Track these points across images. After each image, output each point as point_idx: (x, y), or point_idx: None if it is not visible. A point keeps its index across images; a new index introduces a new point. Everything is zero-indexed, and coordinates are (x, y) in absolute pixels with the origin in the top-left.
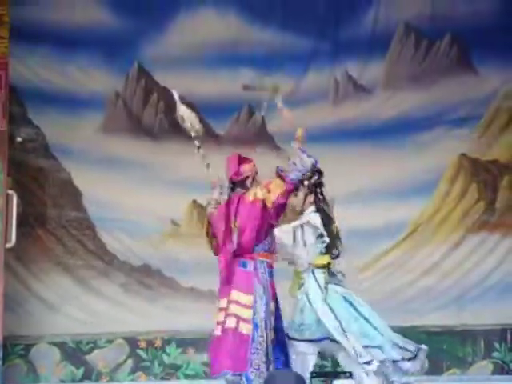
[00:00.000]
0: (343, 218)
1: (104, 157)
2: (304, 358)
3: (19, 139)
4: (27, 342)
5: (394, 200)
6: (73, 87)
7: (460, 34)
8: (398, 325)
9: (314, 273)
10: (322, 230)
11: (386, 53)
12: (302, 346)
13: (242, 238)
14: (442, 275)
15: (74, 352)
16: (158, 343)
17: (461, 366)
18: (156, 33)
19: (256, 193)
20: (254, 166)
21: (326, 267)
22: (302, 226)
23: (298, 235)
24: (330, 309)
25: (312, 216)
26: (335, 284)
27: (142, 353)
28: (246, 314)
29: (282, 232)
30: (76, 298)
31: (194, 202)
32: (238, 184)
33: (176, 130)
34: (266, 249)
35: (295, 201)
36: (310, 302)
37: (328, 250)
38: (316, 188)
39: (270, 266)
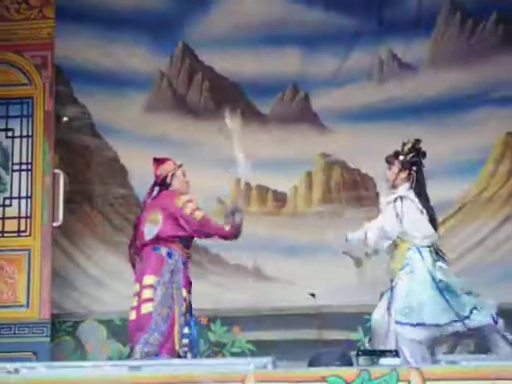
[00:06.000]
0: None
1: (149, 136)
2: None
3: (65, 118)
4: (75, 318)
5: (440, 178)
6: (118, 67)
7: (506, 13)
8: None
9: (420, 251)
10: (420, 206)
11: (430, 32)
12: (412, 332)
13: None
14: (488, 252)
15: (121, 329)
16: (204, 321)
17: None
18: (200, 12)
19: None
20: (173, 163)
21: (432, 246)
22: (401, 199)
23: (398, 210)
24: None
25: (408, 192)
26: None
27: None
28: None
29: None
30: (123, 275)
31: (239, 180)
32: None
33: (220, 109)
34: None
35: (388, 174)
36: (419, 283)
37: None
38: (412, 166)
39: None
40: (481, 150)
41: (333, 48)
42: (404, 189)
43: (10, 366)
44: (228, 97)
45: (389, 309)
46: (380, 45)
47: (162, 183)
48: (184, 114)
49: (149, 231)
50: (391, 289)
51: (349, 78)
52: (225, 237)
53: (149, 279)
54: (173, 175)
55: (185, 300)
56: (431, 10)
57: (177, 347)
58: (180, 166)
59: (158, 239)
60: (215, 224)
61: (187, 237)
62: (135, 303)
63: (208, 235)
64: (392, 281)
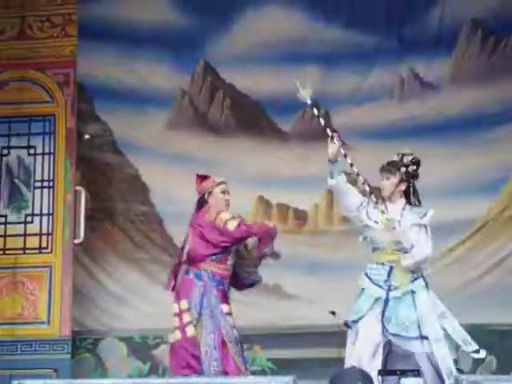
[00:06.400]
0: None
1: (171, 153)
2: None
3: (87, 136)
4: (95, 336)
5: (461, 197)
6: (140, 84)
7: None
8: (466, 322)
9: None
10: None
11: (452, 50)
12: (414, 347)
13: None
14: (507, 273)
15: (141, 347)
16: None
17: None
18: (222, 31)
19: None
20: (212, 181)
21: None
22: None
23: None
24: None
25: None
26: None
27: None
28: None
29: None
30: (144, 293)
31: (261, 197)
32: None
33: (241, 126)
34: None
35: (386, 185)
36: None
37: None
38: (411, 178)
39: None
40: (502, 169)
41: (353, 66)
42: (402, 203)
43: (30, 382)
44: (249, 115)
45: (383, 321)
46: (401, 63)
47: (201, 200)
48: (205, 131)
49: (185, 251)
50: (386, 299)
51: (369, 96)
52: (268, 232)
53: (184, 303)
54: (210, 193)
55: (228, 314)
56: (452, 29)
57: (240, 365)
58: (219, 183)
59: (188, 259)
60: (253, 225)
61: (218, 252)
62: (177, 323)
63: (248, 237)
64: (389, 291)
